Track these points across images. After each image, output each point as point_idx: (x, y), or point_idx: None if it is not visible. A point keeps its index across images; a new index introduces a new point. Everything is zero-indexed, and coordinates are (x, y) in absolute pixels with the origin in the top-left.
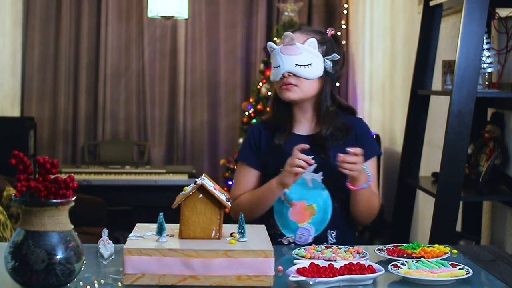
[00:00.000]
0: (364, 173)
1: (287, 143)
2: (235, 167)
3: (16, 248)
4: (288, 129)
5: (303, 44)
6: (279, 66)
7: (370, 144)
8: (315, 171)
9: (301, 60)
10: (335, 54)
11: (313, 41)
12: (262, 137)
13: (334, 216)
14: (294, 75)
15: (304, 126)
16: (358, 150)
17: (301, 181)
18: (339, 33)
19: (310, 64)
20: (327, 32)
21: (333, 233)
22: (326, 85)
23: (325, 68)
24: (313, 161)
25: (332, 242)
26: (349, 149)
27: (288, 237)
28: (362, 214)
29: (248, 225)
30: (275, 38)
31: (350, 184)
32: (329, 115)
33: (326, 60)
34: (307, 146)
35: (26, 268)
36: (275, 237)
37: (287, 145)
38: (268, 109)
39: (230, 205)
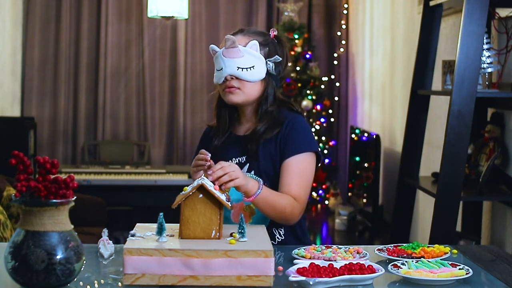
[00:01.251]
0: (252, 180)
1: (224, 144)
2: None
3: (16, 248)
4: (228, 131)
5: (244, 46)
6: (221, 69)
7: (295, 141)
8: (248, 170)
9: (243, 63)
10: (277, 56)
11: (254, 43)
12: (207, 140)
13: None
14: (237, 78)
15: (243, 126)
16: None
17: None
18: (339, 33)
19: (252, 67)
20: (269, 33)
21: (280, 230)
22: (268, 86)
23: (267, 70)
24: (208, 156)
25: (281, 240)
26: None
27: None
28: (276, 220)
29: (248, 225)
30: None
31: (245, 197)
32: (266, 115)
33: (268, 62)
34: (208, 157)
35: (26, 268)
36: None
37: (225, 146)
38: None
39: (230, 205)
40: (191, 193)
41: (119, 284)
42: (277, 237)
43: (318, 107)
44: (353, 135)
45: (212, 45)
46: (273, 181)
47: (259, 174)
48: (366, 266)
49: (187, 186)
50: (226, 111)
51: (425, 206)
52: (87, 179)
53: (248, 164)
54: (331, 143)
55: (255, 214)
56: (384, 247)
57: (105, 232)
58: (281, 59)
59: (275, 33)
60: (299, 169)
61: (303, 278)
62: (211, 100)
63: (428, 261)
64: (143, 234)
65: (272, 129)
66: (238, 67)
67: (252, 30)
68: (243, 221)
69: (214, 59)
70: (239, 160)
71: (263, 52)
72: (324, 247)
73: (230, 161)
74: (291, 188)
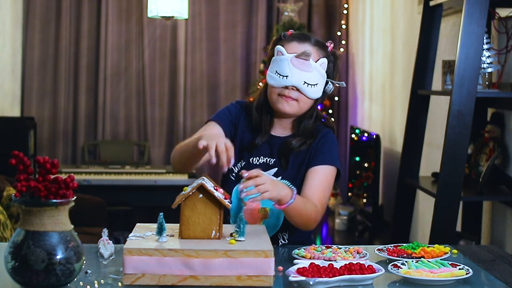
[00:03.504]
0: (285, 188)
1: (263, 142)
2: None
3: (16, 248)
4: (267, 131)
5: (315, 62)
6: (286, 76)
7: (325, 153)
8: (275, 175)
9: (311, 79)
10: (343, 82)
11: (324, 62)
12: (241, 120)
13: (286, 219)
14: (298, 90)
15: (280, 129)
16: (253, 173)
17: None
18: (339, 33)
19: (316, 84)
20: (327, 45)
21: (284, 235)
22: (316, 104)
23: (324, 90)
24: (227, 167)
25: (283, 244)
26: (244, 174)
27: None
28: (299, 226)
29: (248, 225)
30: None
31: (276, 204)
32: (305, 131)
33: (330, 82)
34: (227, 166)
35: (26, 268)
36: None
37: (263, 144)
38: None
39: (230, 205)
40: (191, 193)
41: (119, 284)
42: (280, 241)
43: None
44: (353, 135)
45: (279, 46)
46: (297, 188)
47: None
48: (366, 266)
49: (187, 186)
50: (267, 113)
51: (425, 206)
52: (87, 179)
53: (276, 169)
54: None
55: (267, 219)
56: (384, 247)
57: (105, 232)
58: (345, 85)
59: (332, 46)
60: (325, 178)
61: (303, 278)
62: (211, 100)
63: (428, 261)
64: (143, 234)
65: (305, 142)
66: (305, 82)
67: (319, 42)
68: (242, 221)
69: (274, 60)
70: (267, 160)
71: (326, 70)
72: (324, 247)
73: (258, 158)
74: (315, 194)
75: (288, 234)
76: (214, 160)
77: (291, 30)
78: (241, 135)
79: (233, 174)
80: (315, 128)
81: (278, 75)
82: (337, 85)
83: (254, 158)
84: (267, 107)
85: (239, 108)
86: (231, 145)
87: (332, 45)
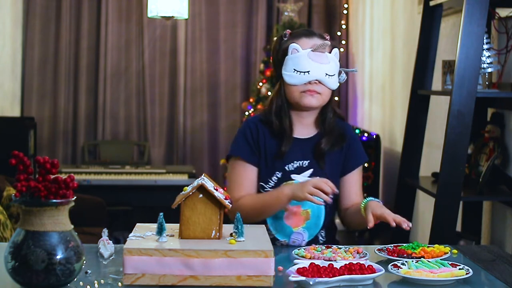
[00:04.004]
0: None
1: (291, 147)
2: (228, 163)
3: (16, 248)
4: (290, 135)
5: (329, 53)
6: (308, 71)
7: (359, 151)
8: (311, 176)
9: (330, 70)
10: (356, 68)
11: (337, 52)
12: (260, 134)
13: (325, 218)
14: (320, 82)
15: (302, 129)
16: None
17: None
18: (339, 33)
19: (334, 75)
20: (327, 38)
21: (322, 232)
22: (333, 95)
23: (338, 80)
24: (337, 190)
25: (322, 242)
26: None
27: (281, 241)
28: (353, 228)
29: (247, 225)
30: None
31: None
32: (330, 127)
33: (343, 71)
34: (336, 191)
35: (26, 268)
36: None
37: (292, 149)
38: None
39: (230, 205)
40: (191, 193)
41: (119, 284)
42: (320, 239)
43: None
44: None
45: (293, 44)
46: (335, 185)
47: None
48: (366, 266)
49: (187, 186)
50: (287, 113)
51: (425, 206)
52: (87, 179)
53: (312, 169)
54: None
55: (309, 220)
56: (384, 247)
57: (105, 232)
58: (357, 71)
59: (329, 37)
60: (360, 178)
61: (303, 278)
62: (211, 100)
63: (428, 261)
64: (143, 234)
65: (336, 144)
66: (326, 74)
67: (322, 35)
68: (240, 221)
69: (289, 58)
70: (300, 164)
71: (338, 59)
72: (324, 247)
73: (292, 163)
74: (358, 197)
75: (325, 232)
76: (331, 200)
77: (288, 30)
78: (267, 148)
79: (270, 186)
80: (337, 124)
81: (298, 72)
82: (350, 71)
83: (289, 165)
84: (285, 110)
85: (253, 127)
86: (321, 179)
87: (328, 36)
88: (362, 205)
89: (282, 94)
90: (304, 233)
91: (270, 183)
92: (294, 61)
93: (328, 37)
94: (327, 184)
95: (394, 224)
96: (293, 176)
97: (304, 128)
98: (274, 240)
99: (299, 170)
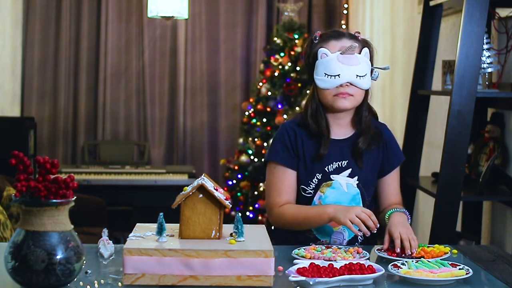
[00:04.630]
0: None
1: (329, 148)
2: (266, 167)
3: (16, 248)
4: (327, 136)
5: (359, 54)
6: (338, 75)
7: (396, 151)
8: (350, 175)
9: (360, 71)
10: (388, 66)
11: (367, 52)
12: (298, 138)
13: None
14: (352, 84)
15: (339, 130)
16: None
17: (337, 186)
18: None
19: (366, 75)
20: (358, 36)
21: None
22: (368, 94)
23: (371, 78)
24: (378, 225)
25: (361, 241)
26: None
27: (322, 241)
28: None
29: (247, 225)
30: (275, 39)
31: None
32: (366, 126)
33: (374, 70)
34: (377, 226)
35: (26, 268)
36: (307, 241)
37: (331, 150)
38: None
39: (230, 205)
40: (191, 193)
41: (119, 284)
42: (359, 238)
43: None
44: None
45: (323, 48)
46: (374, 185)
47: (361, 180)
48: (366, 266)
49: (187, 186)
50: (322, 116)
51: (425, 206)
52: (87, 179)
53: (350, 169)
54: None
55: None
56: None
57: (105, 232)
58: (389, 68)
59: (360, 35)
60: (398, 177)
61: (303, 278)
62: (211, 100)
63: (428, 261)
64: (143, 234)
65: (373, 143)
66: (357, 75)
67: (352, 34)
68: (240, 221)
69: (319, 63)
70: (339, 164)
71: (369, 59)
72: (324, 247)
73: (331, 164)
74: (397, 197)
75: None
76: (369, 233)
77: (319, 31)
78: (305, 151)
79: (311, 188)
80: (373, 123)
81: (329, 76)
82: (382, 70)
83: (328, 166)
84: (321, 113)
85: (290, 131)
86: (367, 210)
87: (360, 34)
88: (386, 217)
89: (316, 98)
90: (344, 232)
91: (311, 185)
92: (324, 65)
93: (359, 35)
94: (370, 218)
95: (398, 251)
96: (332, 176)
97: (340, 129)
98: (315, 240)
99: (338, 170)
